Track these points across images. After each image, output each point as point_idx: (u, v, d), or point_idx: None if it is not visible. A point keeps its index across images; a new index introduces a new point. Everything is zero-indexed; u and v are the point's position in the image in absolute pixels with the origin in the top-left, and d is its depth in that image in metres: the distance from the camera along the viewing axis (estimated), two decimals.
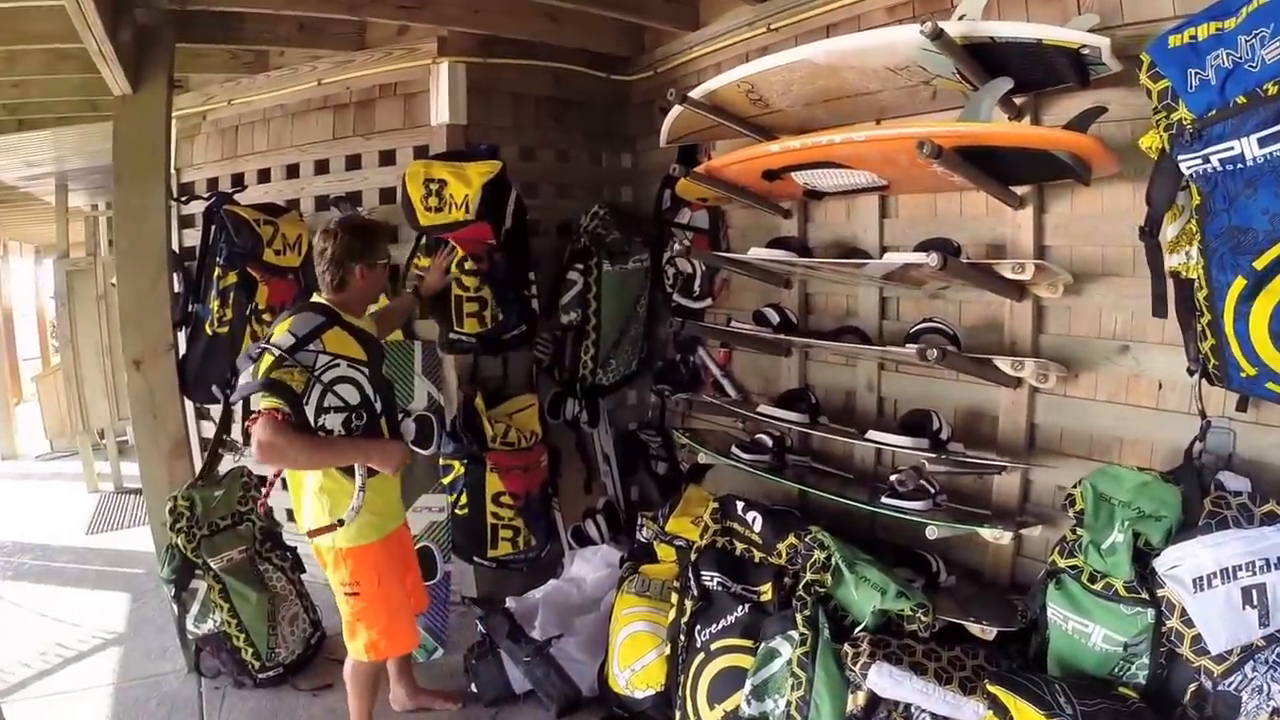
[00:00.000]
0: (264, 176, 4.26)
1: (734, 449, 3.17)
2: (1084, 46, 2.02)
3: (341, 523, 2.51)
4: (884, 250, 2.92)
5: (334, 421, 2.48)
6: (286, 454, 2.39)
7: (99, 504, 6.25)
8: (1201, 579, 1.84)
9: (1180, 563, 1.88)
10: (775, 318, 3.17)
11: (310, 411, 2.42)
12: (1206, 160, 1.74)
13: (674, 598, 2.84)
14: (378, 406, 2.61)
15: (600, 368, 3.90)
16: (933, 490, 2.60)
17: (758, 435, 3.19)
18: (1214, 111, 1.72)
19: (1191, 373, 2.01)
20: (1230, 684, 1.85)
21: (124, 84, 3.29)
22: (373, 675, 2.84)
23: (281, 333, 2.45)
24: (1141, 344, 2.31)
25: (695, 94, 2.84)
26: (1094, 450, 2.49)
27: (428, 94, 3.73)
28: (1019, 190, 2.49)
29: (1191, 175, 1.79)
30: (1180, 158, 1.79)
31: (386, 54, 3.77)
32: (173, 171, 4.12)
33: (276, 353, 2.38)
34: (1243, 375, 1.82)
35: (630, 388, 4.28)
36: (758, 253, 2.94)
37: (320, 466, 2.54)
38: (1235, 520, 1.90)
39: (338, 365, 2.48)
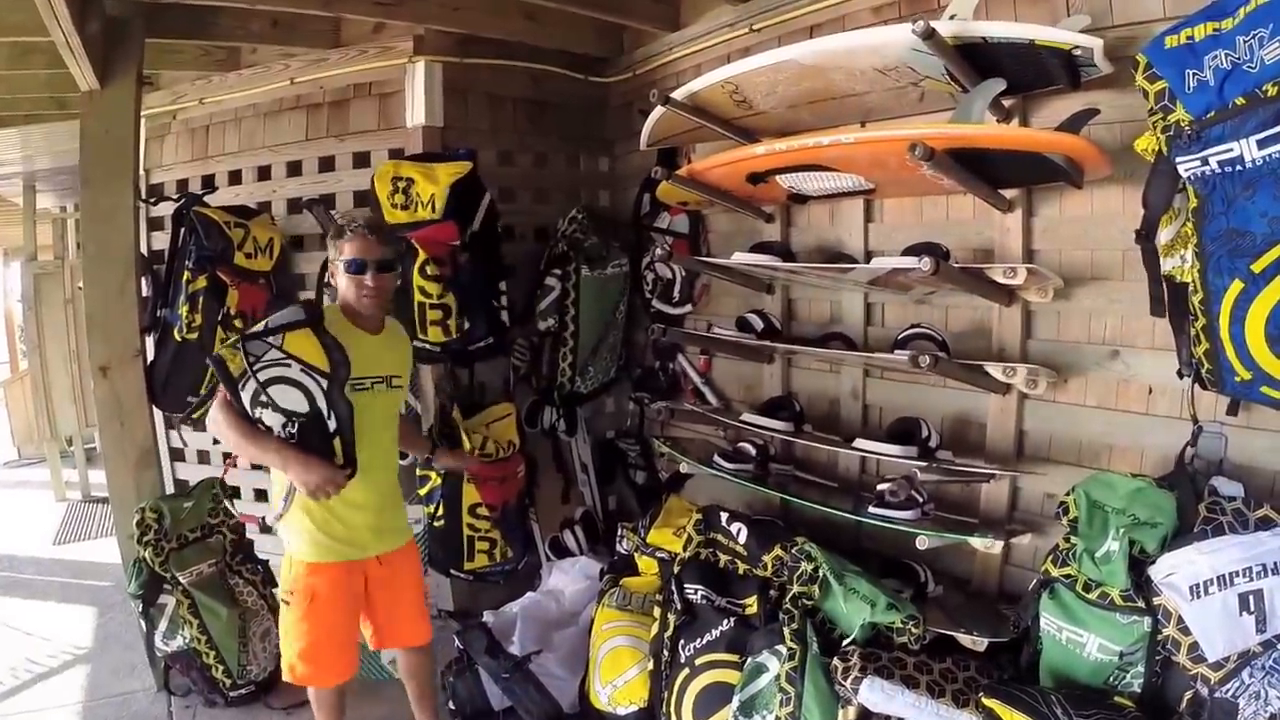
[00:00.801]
0: (235, 178, 4.16)
1: (716, 458, 3.11)
2: (1076, 47, 2.00)
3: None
4: (869, 255, 2.91)
5: (272, 420, 2.38)
6: (220, 432, 2.41)
7: (66, 513, 6.13)
8: (1198, 586, 1.82)
9: (1176, 570, 1.87)
10: (758, 324, 3.12)
11: (246, 399, 2.36)
12: (1205, 162, 1.72)
13: (656, 611, 2.77)
14: (330, 425, 2.44)
15: (578, 375, 3.84)
16: (921, 499, 2.55)
17: (740, 444, 3.13)
18: (1212, 113, 1.70)
19: (1183, 376, 2.01)
20: (1227, 691, 1.83)
21: (91, 79, 3.20)
22: (329, 696, 2.68)
23: (264, 320, 2.47)
24: (1131, 349, 2.30)
25: (678, 95, 2.79)
26: (1083, 457, 2.46)
27: (403, 94, 3.66)
28: (1007, 193, 2.46)
29: (1189, 178, 1.77)
30: (1178, 160, 1.77)
31: (361, 52, 3.69)
32: (142, 172, 4.03)
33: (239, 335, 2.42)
34: (1237, 380, 1.80)
35: (609, 395, 4.23)
36: (740, 257, 2.89)
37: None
38: (1231, 526, 1.89)
39: (288, 366, 2.37)
